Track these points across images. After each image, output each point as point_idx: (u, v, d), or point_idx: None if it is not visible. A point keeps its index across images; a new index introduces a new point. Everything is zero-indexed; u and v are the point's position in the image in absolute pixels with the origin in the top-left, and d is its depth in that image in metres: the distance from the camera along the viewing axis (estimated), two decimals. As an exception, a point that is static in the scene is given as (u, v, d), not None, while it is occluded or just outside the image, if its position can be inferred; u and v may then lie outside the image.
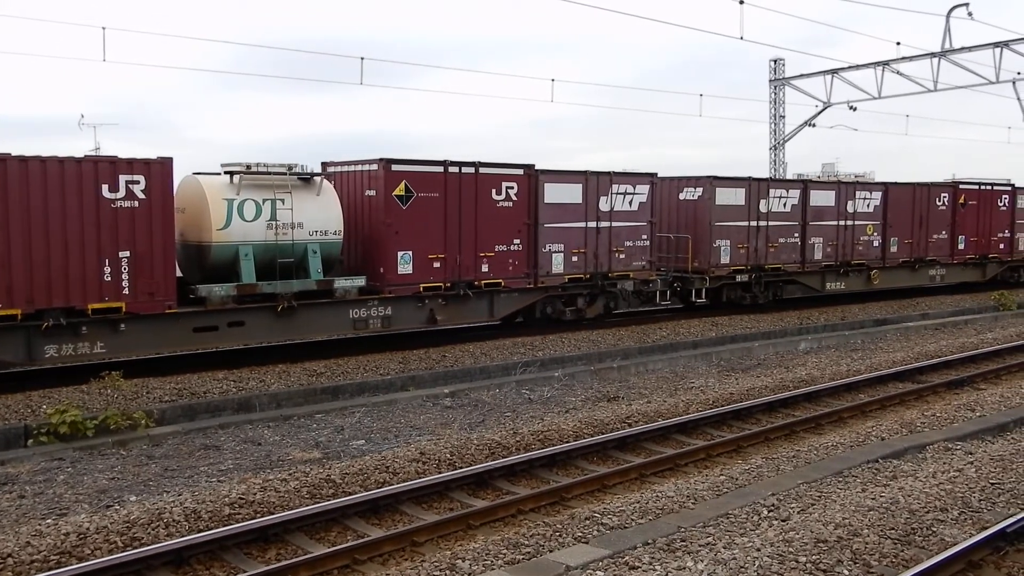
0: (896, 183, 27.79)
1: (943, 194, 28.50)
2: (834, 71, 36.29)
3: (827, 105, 37.99)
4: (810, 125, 40.77)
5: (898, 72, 33.81)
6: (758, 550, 7.26)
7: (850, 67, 35.48)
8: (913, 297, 28.46)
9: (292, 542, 8.31)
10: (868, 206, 26.35)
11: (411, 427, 13.16)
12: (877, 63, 34.20)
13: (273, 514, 8.69)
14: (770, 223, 23.95)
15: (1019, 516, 7.98)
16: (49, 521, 8.67)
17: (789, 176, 43.19)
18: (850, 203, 25.79)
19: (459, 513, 8.91)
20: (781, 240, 24.23)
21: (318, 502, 9.10)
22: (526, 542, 7.92)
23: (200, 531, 8.29)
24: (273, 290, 15.70)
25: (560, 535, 8.10)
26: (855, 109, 36.61)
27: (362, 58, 23.85)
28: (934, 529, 7.96)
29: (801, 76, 39.51)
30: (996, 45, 30.91)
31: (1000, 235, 30.61)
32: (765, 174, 42.17)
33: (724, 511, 8.57)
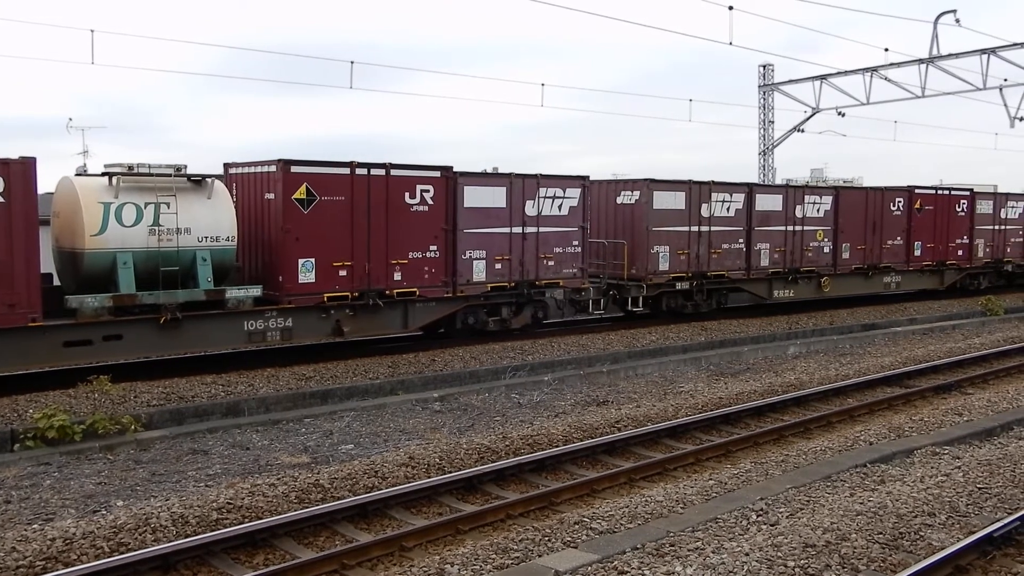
0: (848, 187, 27.29)
1: (898, 199, 27.76)
2: (823, 77, 36.44)
3: (816, 111, 38.20)
4: (799, 130, 41.02)
5: (886, 78, 34.03)
6: (747, 555, 7.28)
7: (839, 73, 35.67)
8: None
9: (280, 547, 8.29)
10: (818, 211, 25.55)
11: (400, 431, 13.14)
12: (865, 69, 34.41)
13: (261, 519, 8.67)
14: (713, 228, 22.93)
15: (1006, 520, 8.03)
16: (35, 526, 8.62)
17: (777, 181, 43.40)
18: (799, 208, 24.98)
19: (448, 518, 8.90)
20: (725, 246, 23.26)
21: (307, 507, 9.09)
22: (515, 547, 7.92)
23: (187, 536, 8.26)
24: (155, 301, 14.62)
25: (549, 540, 8.10)
26: (843, 115, 36.80)
27: (352, 62, 23.16)
28: (922, 533, 7.99)
29: (790, 82, 39.70)
30: (983, 52, 31.11)
31: (958, 241, 29.95)
32: (755, 179, 42.44)
33: (713, 516, 8.59)
